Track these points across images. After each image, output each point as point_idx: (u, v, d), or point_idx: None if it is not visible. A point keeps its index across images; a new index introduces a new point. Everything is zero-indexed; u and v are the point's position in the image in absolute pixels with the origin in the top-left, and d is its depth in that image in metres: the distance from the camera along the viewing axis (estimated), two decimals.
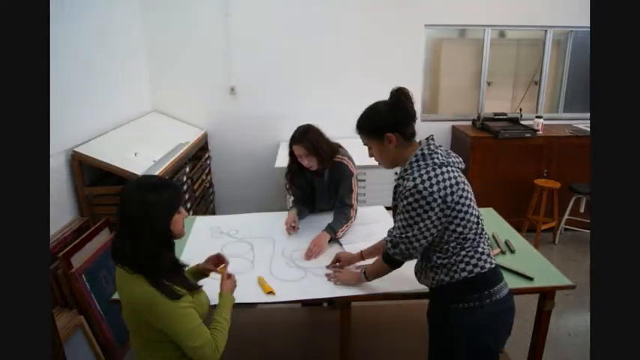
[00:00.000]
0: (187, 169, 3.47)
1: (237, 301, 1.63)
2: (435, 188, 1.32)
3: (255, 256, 2.01)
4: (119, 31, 3.44)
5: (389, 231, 1.50)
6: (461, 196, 1.35)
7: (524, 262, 1.92)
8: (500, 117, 4.09)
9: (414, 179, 1.35)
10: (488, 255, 1.43)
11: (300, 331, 2.40)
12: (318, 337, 2.32)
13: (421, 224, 1.35)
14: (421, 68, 4.13)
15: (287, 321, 2.50)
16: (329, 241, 2.10)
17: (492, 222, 2.34)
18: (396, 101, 1.43)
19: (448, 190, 1.33)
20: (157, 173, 2.81)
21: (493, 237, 2.15)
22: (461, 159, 1.46)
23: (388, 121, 1.42)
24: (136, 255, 1.28)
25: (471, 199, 1.40)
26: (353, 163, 2.30)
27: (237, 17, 3.84)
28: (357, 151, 2.19)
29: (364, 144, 1.52)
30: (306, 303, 2.41)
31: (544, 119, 3.97)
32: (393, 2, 3.90)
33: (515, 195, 3.93)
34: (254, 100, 4.05)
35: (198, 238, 2.22)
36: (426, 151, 1.40)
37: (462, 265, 1.38)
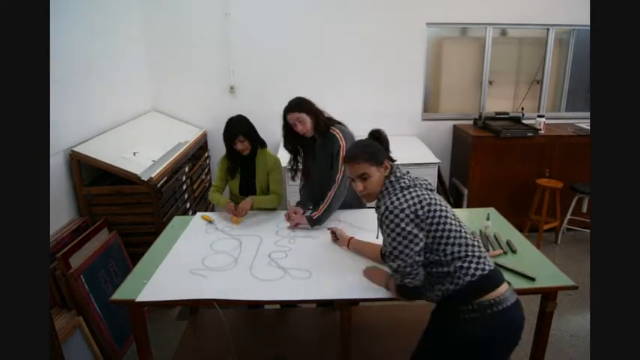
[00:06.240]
0: (186, 169, 3.46)
1: (224, 297, 1.66)
2: (405, 205, 1.46)
3: (241, 254, 2.01)
4: (118, 30, 3.43)
5: (384, 254, 1.54)
6: (433, 210, 1.47)
7: (526, 262, 1.91)
8: (502, 116, 4.07)
9: (384, 204, 1.50)
10: (485, 257, 1.49)
11: (299, 332, 2.39)
12: (318, 337, 2.30)
13: (406, 240, 1.44)
14: (422, 67, 4.11)
15: (287, 321, 2.49)
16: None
17: (494, 222, 2.32)
18: (374, 138, 1.65)
19: (417, 206, 1.46)
20: (155, 173, 2.80)
21: (494, 237, 2.13)
22: (429, 181, 1.60)
23: (381, 151, 1.61)
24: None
25: (446, 211, 1.50)
26: (351, 136, 2.30)
27: (237, 16, 3.83)
28: None
29: (356, 176, 1.58)
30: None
31: (546, 118, 3.95)
32: (394, 1, 3.88)
33: (517, 195, 3.92)
34: (253, 99, 4.04)
35: (191, 234, 2.24)
36: (392, 179, 1.56)
37: (464, 271, 1.44)
